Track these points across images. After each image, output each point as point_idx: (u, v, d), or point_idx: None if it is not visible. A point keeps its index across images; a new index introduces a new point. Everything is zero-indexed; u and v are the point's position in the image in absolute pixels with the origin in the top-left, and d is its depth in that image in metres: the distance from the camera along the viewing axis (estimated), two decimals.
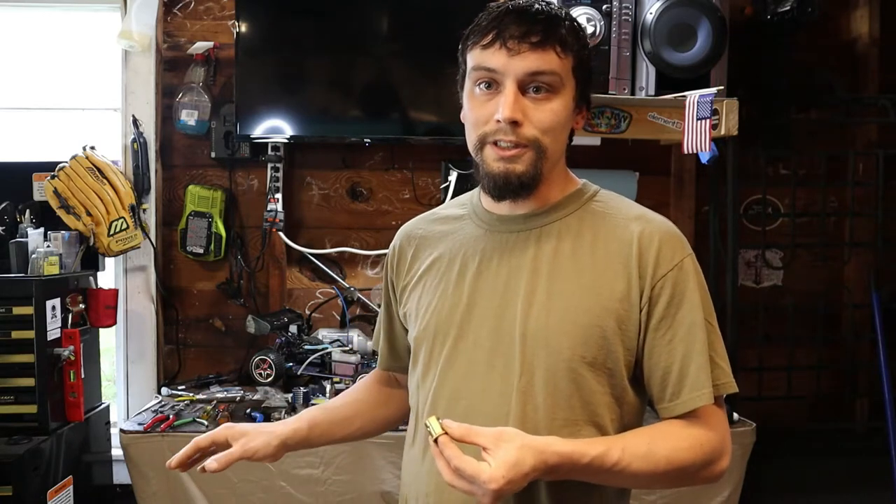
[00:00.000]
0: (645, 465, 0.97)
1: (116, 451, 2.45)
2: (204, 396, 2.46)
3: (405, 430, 1.20)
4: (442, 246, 1.18)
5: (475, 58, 1.06)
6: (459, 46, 1.11)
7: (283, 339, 2.55)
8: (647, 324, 1.05)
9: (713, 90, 2.06)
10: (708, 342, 1.04)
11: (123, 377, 2.71)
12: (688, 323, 1.04)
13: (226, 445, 1.13)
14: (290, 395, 2.33)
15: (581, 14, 2.16)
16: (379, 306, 1.35)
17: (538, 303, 1.05)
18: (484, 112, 1.05)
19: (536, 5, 1.05)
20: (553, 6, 1.07)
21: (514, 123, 1.02)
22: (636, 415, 1.10)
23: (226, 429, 1.15)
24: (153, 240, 2.66)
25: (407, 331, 1.23)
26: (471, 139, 1.09)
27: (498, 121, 1.03)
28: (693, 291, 1.05)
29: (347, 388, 2.32)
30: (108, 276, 2.68)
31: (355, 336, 2.59)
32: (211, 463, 1.08)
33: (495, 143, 1.05)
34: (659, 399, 1.06)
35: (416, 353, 1.16)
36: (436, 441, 0.90)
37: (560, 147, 1.09)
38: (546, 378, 1.03)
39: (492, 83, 1.05)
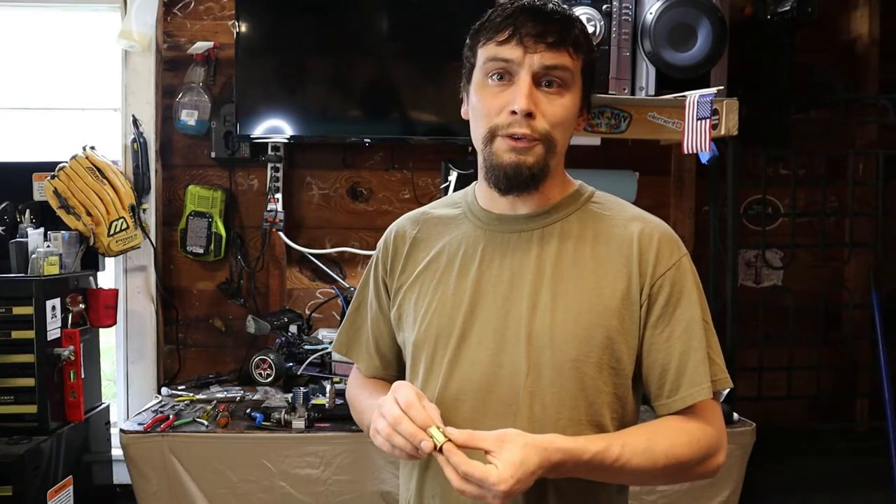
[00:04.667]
0: (644, 460, 0.98)
1: (116, 451, 2.45)
2: (204, 396, 2.46)
3: None
4: (438, 245, 1.16)
5: (489, 51, 1.06)
6: (467, 41, 1.11)
7: (283, 339, 2.55)
8: (646, 321, 1.05)
9: (713, 90, 2.06)
10: (705, 339, 1.05)
11: (123, 377, 2.71)
12: (686, 320, 1.05)
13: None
14: (290, 395, 2.33)
15: (581, 14, 2.16)
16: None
17: (543, 304, 1.05)
18: (496, 103, 1.05)
19: (550, 5, 1.06)
20: (566, 7, 1.08)
21: (529, 115, 1.03)
22: (635, 413, 1.10)
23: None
24: (153, 240, 2.66)
25: (393, 333, 1.22)
26: (479, 131, 1.08)
27: (513, 112, 1.03)
28: (690, 289, 1.06)
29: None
30: (108, 276, 2.67)
31: None
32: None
33: (508, 136, 1.04)
34: (657, 395, 1.06)
35: (417, 356, 1.13)
36: (440, 450, 0.90)
37: (566, 143, 1.10)
38: (552, 378, 1.03)
39: (504, 74, 1.05)
